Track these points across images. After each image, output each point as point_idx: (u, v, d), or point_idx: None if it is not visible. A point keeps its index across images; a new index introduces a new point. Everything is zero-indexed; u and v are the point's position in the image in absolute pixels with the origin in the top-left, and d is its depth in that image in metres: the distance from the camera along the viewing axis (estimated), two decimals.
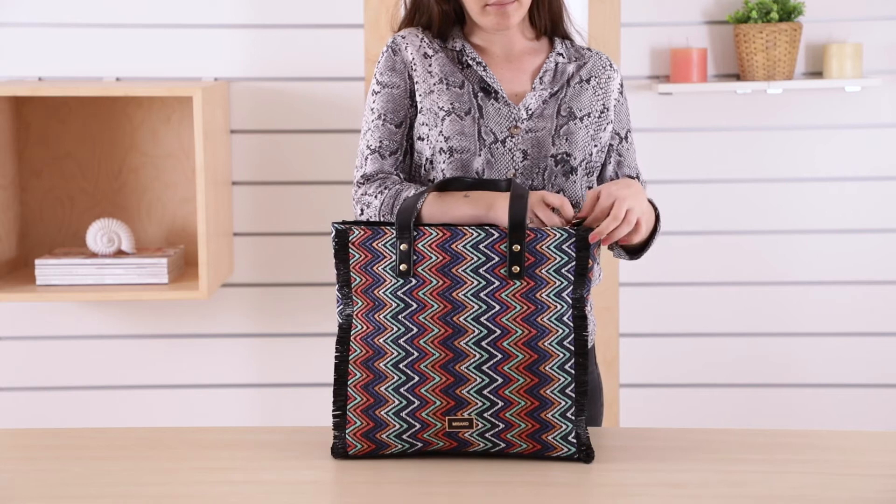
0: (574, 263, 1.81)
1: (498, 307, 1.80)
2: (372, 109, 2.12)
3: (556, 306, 1.81)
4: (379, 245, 1.83)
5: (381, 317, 1.82)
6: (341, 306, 1.85)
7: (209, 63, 3.28)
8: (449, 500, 1.68)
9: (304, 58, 3.29)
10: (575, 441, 1.81)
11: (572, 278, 1.81)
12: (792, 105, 3.34)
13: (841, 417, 3.40)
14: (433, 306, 1.81)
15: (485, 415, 1.80)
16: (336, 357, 1.84)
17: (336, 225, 1.84)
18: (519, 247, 1.81)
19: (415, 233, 1.83)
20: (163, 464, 1.81)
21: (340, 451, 1.83)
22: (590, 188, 2.13)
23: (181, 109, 3.26)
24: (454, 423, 1.80)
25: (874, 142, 3.35)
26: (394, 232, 1.83)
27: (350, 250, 1.84)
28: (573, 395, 1.80)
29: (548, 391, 1.79)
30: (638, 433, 1.96)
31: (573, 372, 1.80)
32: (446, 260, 1.82)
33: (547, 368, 1.79)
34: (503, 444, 1.81)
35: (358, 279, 1.84)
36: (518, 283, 1.81)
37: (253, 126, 3.31)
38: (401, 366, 1.80)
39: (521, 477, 1.76)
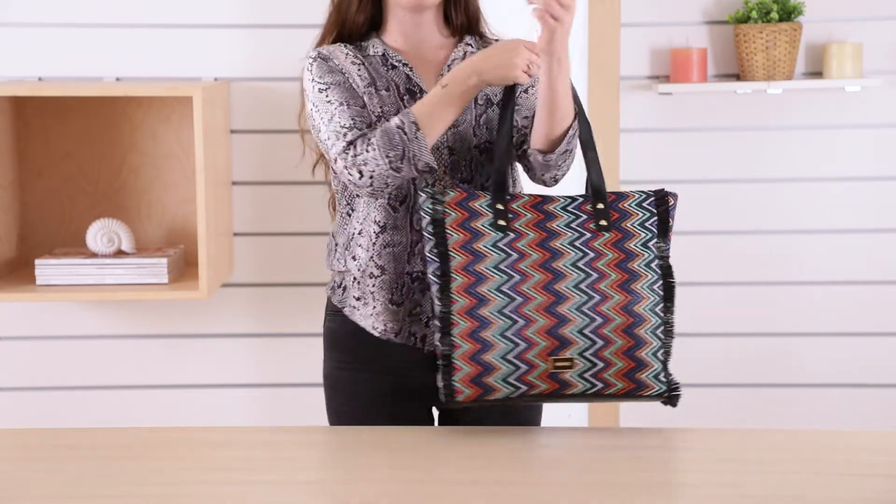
0: (656, 218, 1.97)
1: (592, 254, 1.93)
2: (329, 102, 2.09)
3: (644, 254, 1.95)
4: (475, 205, 1.94)
5: (482, 267, 1.91)
6: (438, 263, 1.92)
7: (209, 63, 3.28)
8: (449, 500, 1.68)
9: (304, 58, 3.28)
10: (665, 381, 1.93)
11: (655, 231, 1.96)
12: (792, 105, 3.34)
13: (841, 417, 3.40)
14: (532, 255, 1.92)
15: (586, 354, 1.90)
16: (440, 310, 1.90)
17: (425, 190, 1.95)
18: (603, 205, 1.95)
19: (507, 196, 1.95)
20: (163, 464, 1.81)
21: (449, 398, 1.90)
22: (521, 158, 2.16)
23: (181, 109, 3.26)
24: (558, 364, 1.90)
25: (874, 142, 3.35)
26: (487, 196, 1.94)
27: (446, 209, 1.93)
28: (662, 337, 1.93)
29: (641, 331, 1.92)
30: (638, 433, 1.96)
31: (662, 315, 1.93)
32: (540, 217, 1.94)
33: (640, 309, 1.92)
34: (601, 385, 1.91)
35: (455, 235, 1.93)
36: (607, 234, 1.94)
37: (253, 126, 3.31)
38: (505, 311, 1.90)
39: (522, 477, 1.76)
